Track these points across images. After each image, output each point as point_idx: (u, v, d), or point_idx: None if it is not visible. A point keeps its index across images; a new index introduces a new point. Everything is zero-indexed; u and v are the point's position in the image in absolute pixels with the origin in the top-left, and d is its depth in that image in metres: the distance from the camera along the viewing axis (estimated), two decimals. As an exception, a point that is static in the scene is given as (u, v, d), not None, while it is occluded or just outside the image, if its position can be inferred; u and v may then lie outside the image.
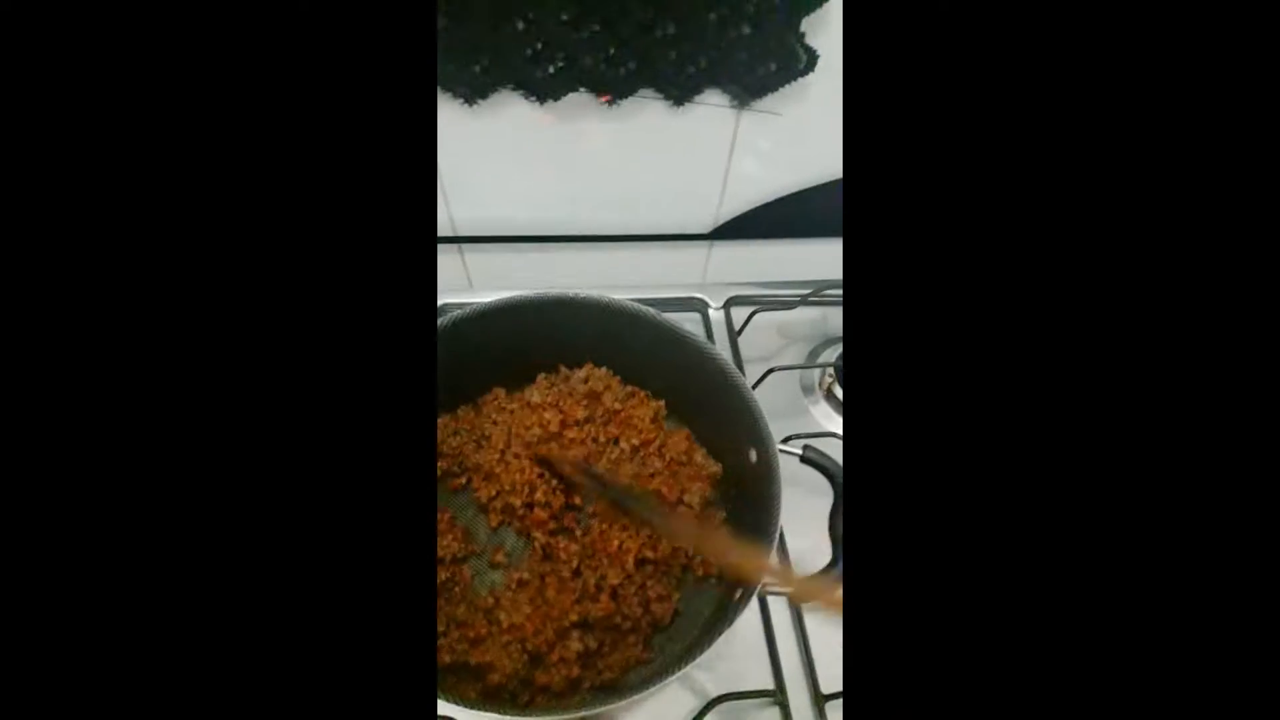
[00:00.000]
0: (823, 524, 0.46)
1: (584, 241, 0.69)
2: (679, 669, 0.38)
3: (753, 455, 0.48)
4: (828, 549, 0.45)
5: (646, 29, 0.50)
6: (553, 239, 0.69)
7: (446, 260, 0.70)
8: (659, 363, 0.56)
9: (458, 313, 0.52)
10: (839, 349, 0.66)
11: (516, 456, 0.54)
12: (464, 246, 0.69)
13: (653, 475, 0.54)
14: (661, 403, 0.59)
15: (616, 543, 0.51)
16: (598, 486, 0.51)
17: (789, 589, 0.47)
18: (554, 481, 0.54)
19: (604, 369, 0.59)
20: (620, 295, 0.55)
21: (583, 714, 0.44)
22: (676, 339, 0.53)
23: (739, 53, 0.53)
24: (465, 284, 0.73)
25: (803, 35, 0.52)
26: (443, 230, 0.67)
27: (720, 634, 0.39)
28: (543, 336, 0.57)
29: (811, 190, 0.64)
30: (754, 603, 0.45)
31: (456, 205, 0.65)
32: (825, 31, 0.53)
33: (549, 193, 0.65)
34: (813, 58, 0.53)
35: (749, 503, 0.50)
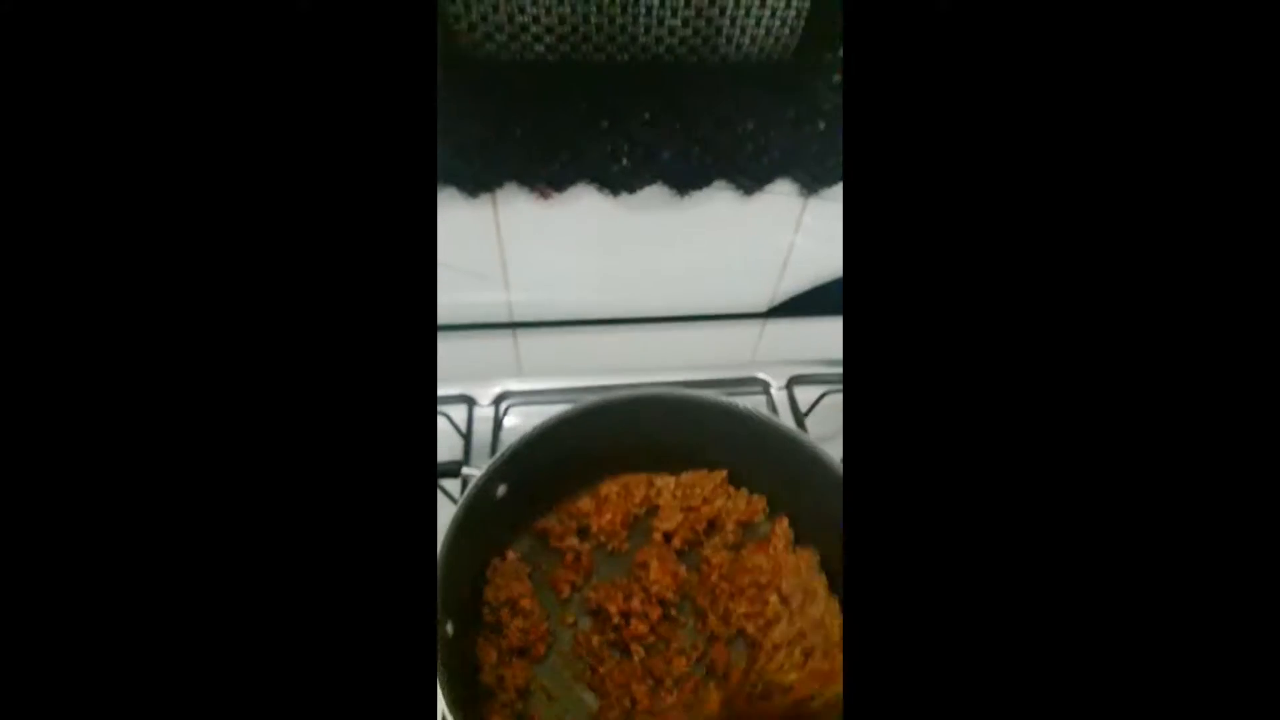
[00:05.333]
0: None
1: (632, 324, 0.69)
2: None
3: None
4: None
5: (725, 124, 0.51)
6: (601, 322, 0.68)
7: (501, 346, 0.69)
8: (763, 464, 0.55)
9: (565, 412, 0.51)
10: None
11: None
12: (518, 332, 0.68)
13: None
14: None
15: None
16: None
17: None
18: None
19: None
20: (673, 376, 0.53)
21: None
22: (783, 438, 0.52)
23: (811, 145, 0.53)
24: (516, 369, 0.72)
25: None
26: (500, 317, 0.66)
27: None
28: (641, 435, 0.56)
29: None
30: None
31: (516, 291, 0.64)
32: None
33: (605, 274, 0.64)
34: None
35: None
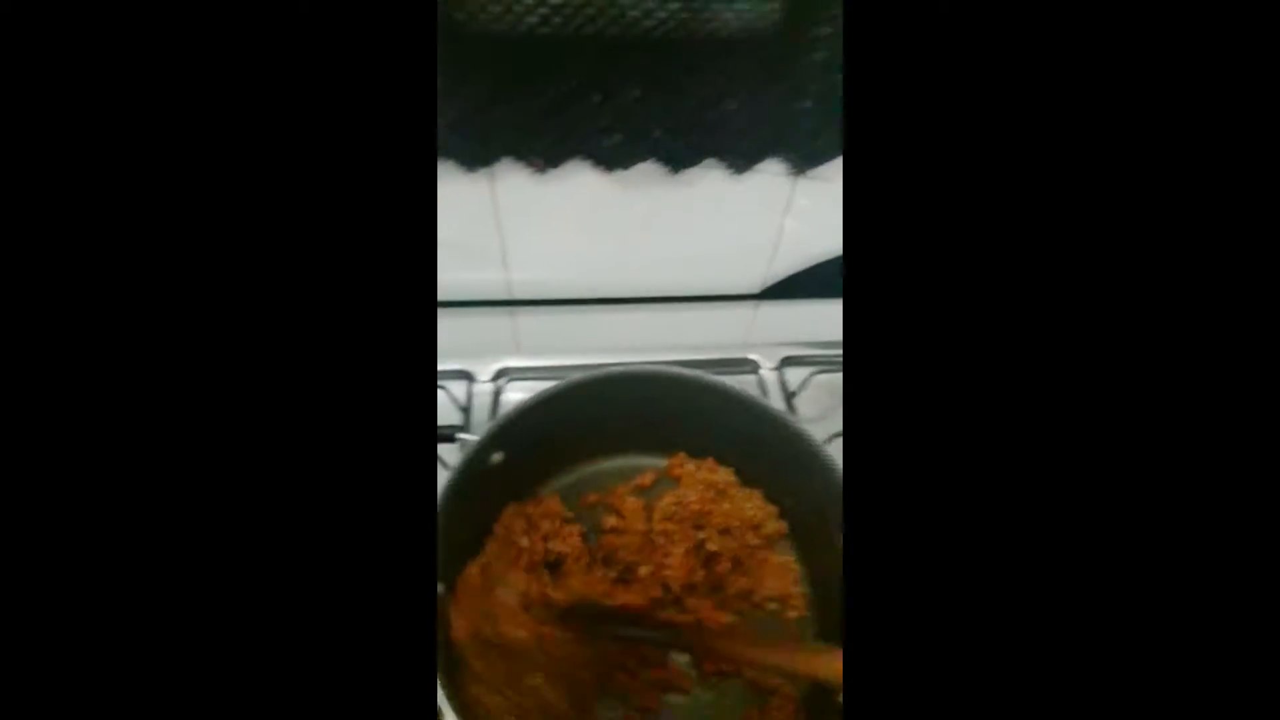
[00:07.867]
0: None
1: (629, 304, 0.70)
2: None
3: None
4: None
5: (713, 102, 0.52)
6: (598, 301, 0.69)
7: (499, 323, 0.70)
8: (729, 433, 0.56)
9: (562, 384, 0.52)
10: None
11: None
12: (516, 310, 0.70)
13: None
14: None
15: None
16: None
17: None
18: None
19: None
20: (667, 356, 0.55)
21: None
22: (750, 408, 0.53)
23: (800, 124, 0.55)
24: (514, 347, 0.73)
25: (862, 107, 0.54)
26: (499, 294, 0.67)
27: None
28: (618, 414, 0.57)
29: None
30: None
31: (515, 270, 0.65)
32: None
33: (602, 256, 0.66)
34: (870, 127, 0.56)
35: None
